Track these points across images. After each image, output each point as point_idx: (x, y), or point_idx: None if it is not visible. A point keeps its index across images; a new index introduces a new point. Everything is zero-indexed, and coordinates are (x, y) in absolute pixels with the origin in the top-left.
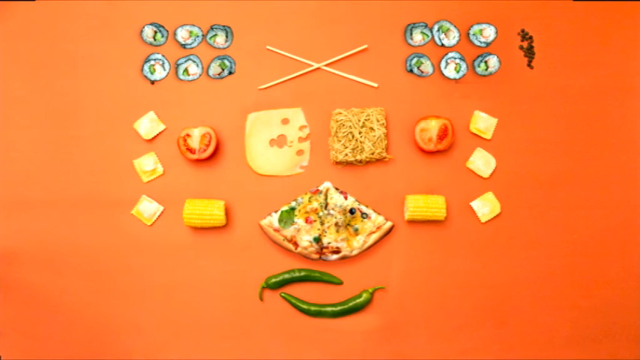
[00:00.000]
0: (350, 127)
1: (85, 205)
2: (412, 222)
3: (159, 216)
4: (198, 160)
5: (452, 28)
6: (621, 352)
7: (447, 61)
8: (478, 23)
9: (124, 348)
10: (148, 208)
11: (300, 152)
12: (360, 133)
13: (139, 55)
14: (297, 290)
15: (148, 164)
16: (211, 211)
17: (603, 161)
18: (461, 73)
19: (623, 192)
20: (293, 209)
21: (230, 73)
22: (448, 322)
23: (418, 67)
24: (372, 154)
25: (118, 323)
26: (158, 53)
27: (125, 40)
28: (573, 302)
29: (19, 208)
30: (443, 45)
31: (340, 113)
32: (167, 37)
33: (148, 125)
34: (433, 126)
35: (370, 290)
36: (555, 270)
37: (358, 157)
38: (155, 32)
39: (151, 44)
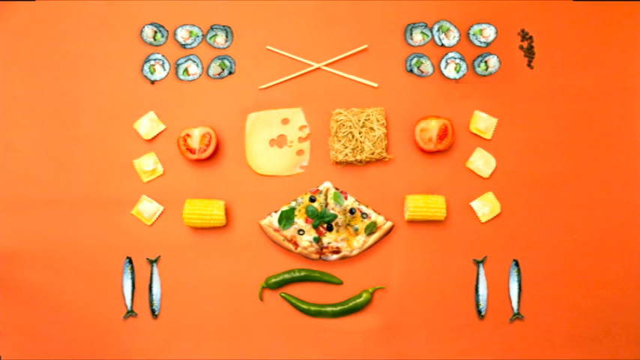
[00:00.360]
0: (350, 127)
1: (85, 205)
2: (412, 222)
3: (159, 216)
4: (198, 160)
5: (452, 28)
6: (621, 352)
7: (447, 61)
8: (478, 23)
9: (124, 348)
10: (148, 208)
11: (300, 152)
12: (360, 133)
13: (139, 55)
14: (297, 290)
15: (148, 164)
16: (211, 211)
17: (603, 161)
18: (461, 73)
19: (623, 192)
20: (293, 209)
21: (230, 73)
22: (448, 322)
23: (418, 67)
24: (372, 154)
25: (118, 323)
26: (158, 53)
27: (125, 40)
28: (573, 302)
29: (19, 208)
30: (443, 45)
31: (340, 113)
32: (167, 37)
33: (148, 125)
34: (433, 126)
35: (370, 290)
36: (555, 270)
37: (358, 157)
38: (155, 32)
39: (150, 44)
